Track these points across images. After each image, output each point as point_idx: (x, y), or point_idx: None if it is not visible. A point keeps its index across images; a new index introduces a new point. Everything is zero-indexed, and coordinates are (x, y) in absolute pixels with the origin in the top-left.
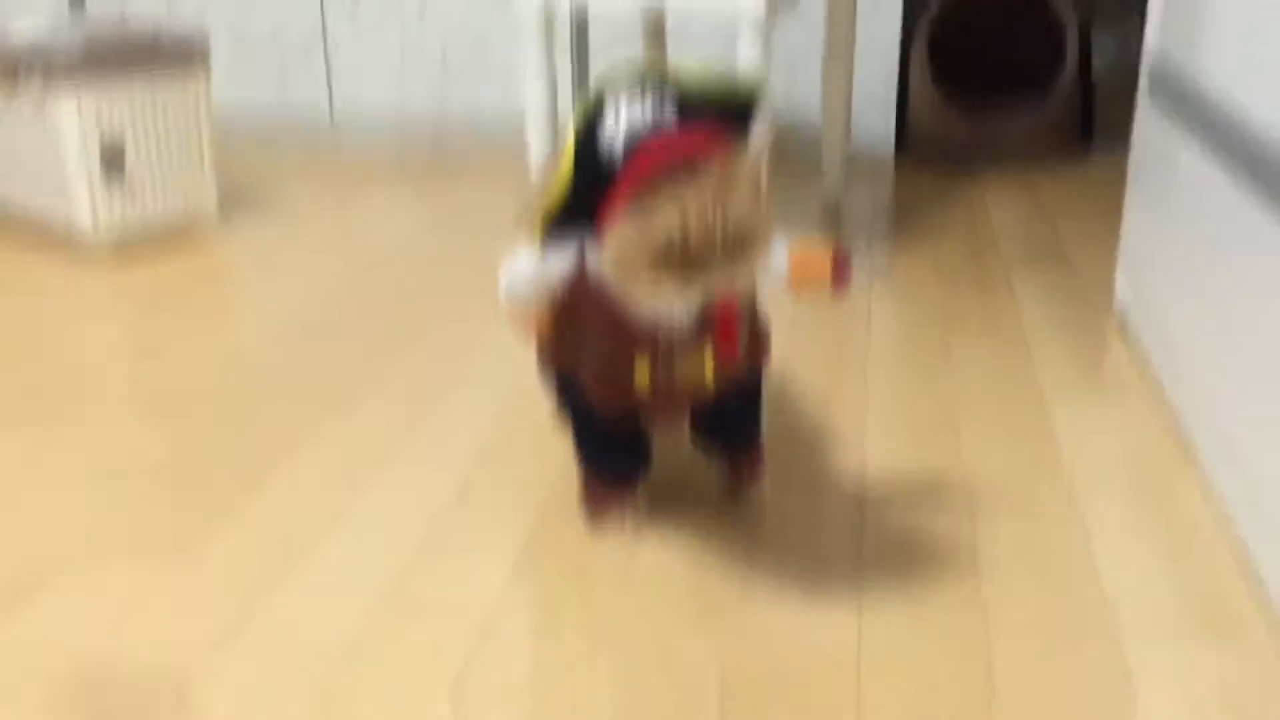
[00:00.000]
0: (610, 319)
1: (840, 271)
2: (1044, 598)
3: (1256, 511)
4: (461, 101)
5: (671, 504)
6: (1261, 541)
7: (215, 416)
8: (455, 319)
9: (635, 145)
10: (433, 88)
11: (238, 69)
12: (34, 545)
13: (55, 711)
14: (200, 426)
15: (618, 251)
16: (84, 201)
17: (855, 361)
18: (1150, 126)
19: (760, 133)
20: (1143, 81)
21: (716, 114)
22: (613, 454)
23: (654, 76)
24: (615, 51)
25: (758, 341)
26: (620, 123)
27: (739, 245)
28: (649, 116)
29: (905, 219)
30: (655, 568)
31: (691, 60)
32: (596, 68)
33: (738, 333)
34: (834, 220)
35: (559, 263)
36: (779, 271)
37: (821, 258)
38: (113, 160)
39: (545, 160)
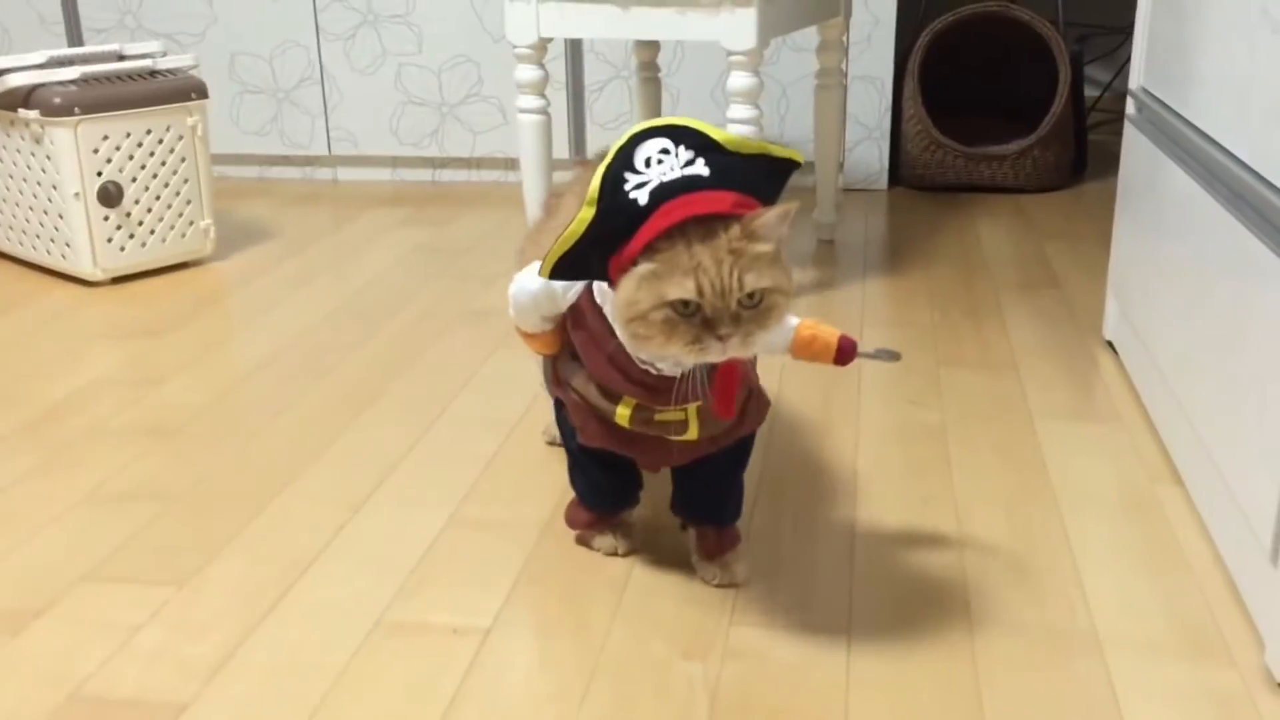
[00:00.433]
0: (604, 355)
1: (844, 356)
2: (1032, 620)
3: (1243, 534)
4: (457, 135)
5: (665, 532)
6: (1247, 564)
7: (214, 443)
8: (450, 348)
9: (661, 197)
10: (428, 122)
11: (234, 103)
12: (34, 571)
13: None
14: (199, 453)
15: (629, 301)
16: (82, 234)
17: (847, 386)
18: (1137, 153)
19: (786, 205)
20: (1129, 109)
21: (748, 177)
22: (599, 485)
23: (690, 131)
24: (609, 86)
25: (753, 406)
26: (650, 172)
27: (752, 312)
28: (679, 170)
29: (898, 246)
30: (648, 595)
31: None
32: (590, 101)
33: (736, 392)
34: (827, 250)
35: (566, 291)
36: (783, 346)
37: (828, 339)
38: (111, 194)
39: (546, 197)
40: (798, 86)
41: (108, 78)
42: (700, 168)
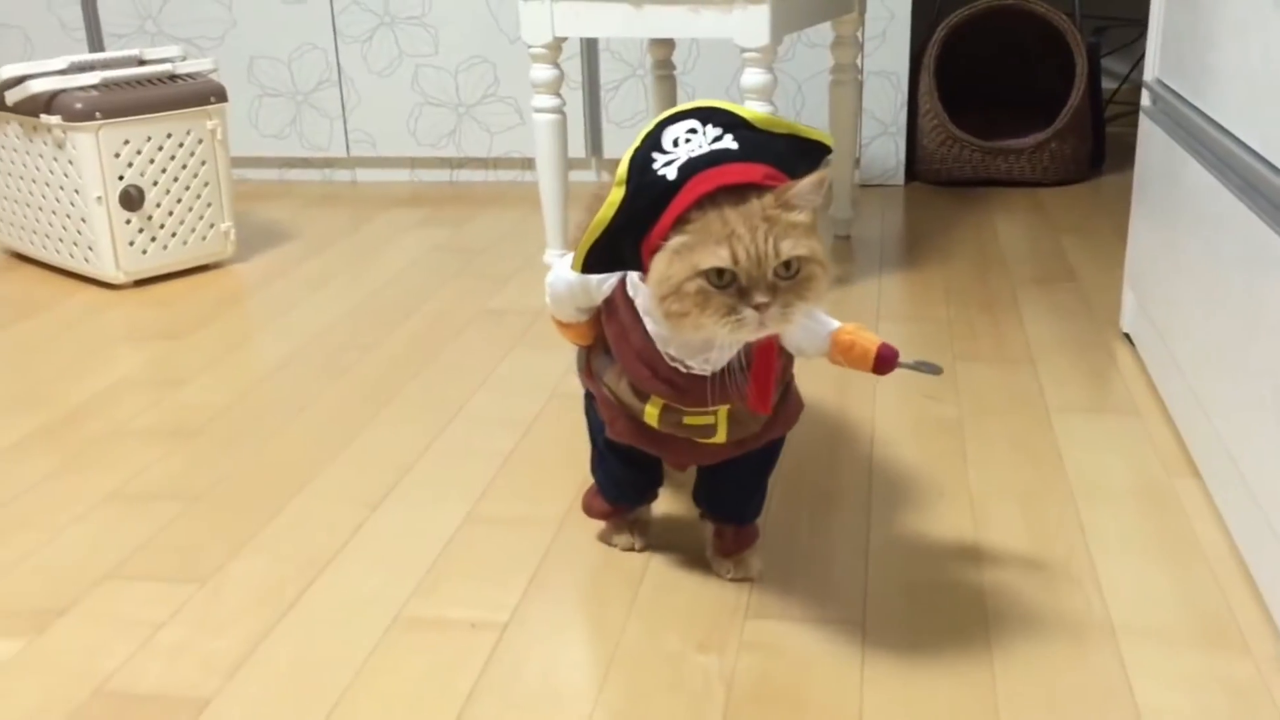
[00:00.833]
0: (634, 349)
1: (883, 365)
2: (1048, 611)
3: (1259, 526)
4: (474, 136)
5: (680, 526)
6: (1263, 555)
7: (234, 443)
8: (467, 347)
9: (690, 171)
10: (446, 122)
11: (253, 107)
12: (59, 570)
13: None
14: (219, 453)
15: (662, 278)
16: (105, 238)
17: (863, 381)
18: (1152, 146)
19: (820, 173)
20: (1144, 101)
21: (778, 153)
22: (620, 479)
23: (718, 110)
24: (625, 85)
25: (786, 406)
26: (678, 151)
27: (790, 283)
28: (708, 145)
29: (914, 242)
30: (664, 590)
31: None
32: (606, 100)
33: (774, 382)
34: (844, 246)
35: (601, 284)
36: (821, 349)
37: (867, 346)
38: (132, 197)
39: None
40: (813, 83)
41: (128, 82)
42: (729, 142)
